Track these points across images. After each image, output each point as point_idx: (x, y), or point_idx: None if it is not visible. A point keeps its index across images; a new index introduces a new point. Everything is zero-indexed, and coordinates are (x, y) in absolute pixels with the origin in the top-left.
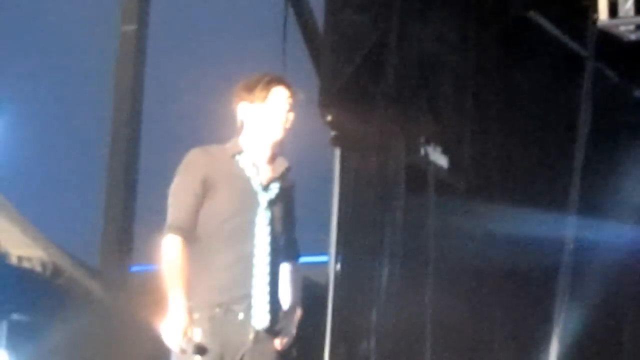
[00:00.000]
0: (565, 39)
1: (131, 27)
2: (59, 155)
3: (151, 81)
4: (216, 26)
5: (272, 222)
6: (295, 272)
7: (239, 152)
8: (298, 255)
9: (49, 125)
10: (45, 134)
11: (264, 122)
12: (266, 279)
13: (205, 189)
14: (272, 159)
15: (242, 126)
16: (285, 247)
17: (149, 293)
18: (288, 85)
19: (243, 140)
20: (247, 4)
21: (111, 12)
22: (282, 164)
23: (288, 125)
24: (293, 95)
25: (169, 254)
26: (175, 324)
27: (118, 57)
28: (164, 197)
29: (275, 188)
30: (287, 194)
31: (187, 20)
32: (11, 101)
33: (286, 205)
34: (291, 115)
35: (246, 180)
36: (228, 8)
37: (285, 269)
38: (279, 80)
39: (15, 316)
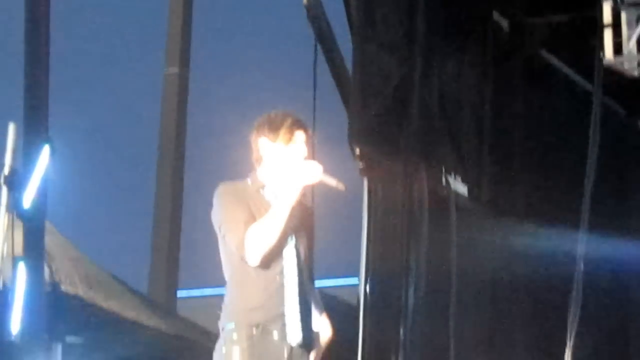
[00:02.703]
0: (575, 75)
1: (174, 70)
2: (110, 189)
3: (194, 119)
4: (253, 67)
5: (297, 246)
6: (316, 294)
7: (262, 187)
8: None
9: (100, 162)
10: (97, 170)
11: (286, 162)
12: (297, 298)
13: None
14: None
15: (260, 159)
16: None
17: (194, 315)
18: (306, 128)
19: (262, 173)
20: (280, 48)
21: (156, 56)
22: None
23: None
24: (310, 136)
25: (256, 237)
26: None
27: (163, 97)
28: (206, 227)
29: (296, 215)
30: (306, 218)
31: (226, 62)
32: (64, 140)
33: (307, 229)
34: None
35: None
36: (263, 50)
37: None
38: (300, 124)
39: (68, 338)
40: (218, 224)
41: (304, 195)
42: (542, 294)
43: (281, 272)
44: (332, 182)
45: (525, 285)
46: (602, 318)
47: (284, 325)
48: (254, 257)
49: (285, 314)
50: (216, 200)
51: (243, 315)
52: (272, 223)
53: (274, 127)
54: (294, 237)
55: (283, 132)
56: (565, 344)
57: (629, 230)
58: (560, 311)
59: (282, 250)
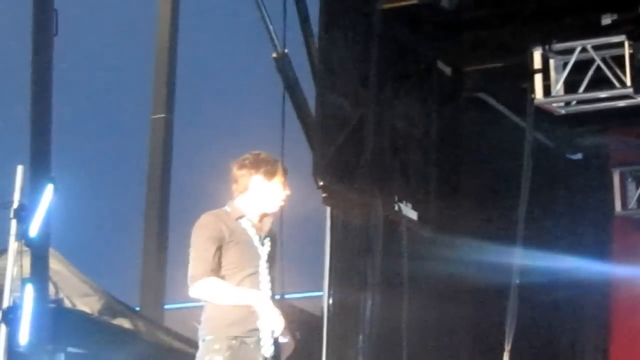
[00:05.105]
0: (509, 114)
1: (160, 115)
2: (106, 218)
3: (177, 156)
4: (230, 111)
5: (270, 271)
6: (284, 309)
7: (241, 216)
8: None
9: (97, 195)
10: (94, 202)
11: (275, 199)
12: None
13: (220, 246)
14: (262, 219)
15: (244, 190)
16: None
17: (181, 325)
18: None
19: (240, 203)
20: (253, 94)
21: (144, 103)
22: (269, 222)
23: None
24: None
25: (214, 288)
26: (273, 310)
27: (150, 138)
28: (188, 250)
29: (267, 242)
30: (274, 245)
31: (206, 107)
32: (67, 177)
33: (274, 254)
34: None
35: (249, 239)
36: (239, 96)
37: None
38: (286, 171)
39: (70, 349)
40: (190, 251)
41: (273, 222)
42: (483, 301)
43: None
44: (283, 339)
45: (468, 293)
46: (535, 322)
47: (258, 338)
48: (194, 295)
49: (260, 328)
50: (194, 231)
51: (223, 329)
52: (230, 298)
53: (270, 170)
54: (268, 263)
55: (279, 176)
56: (502, 347)
57: (557, 246)
58: (498, 317)
59: (258, 276)
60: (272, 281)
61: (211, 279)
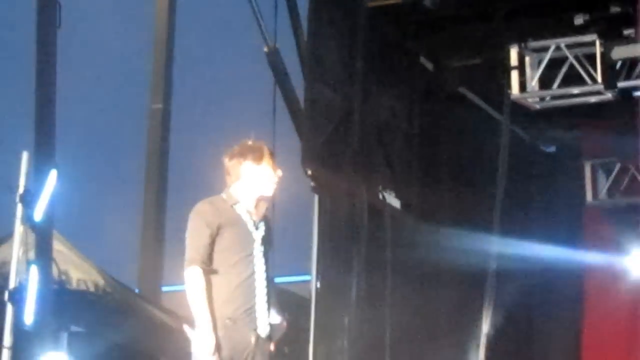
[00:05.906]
0: (487, 108)
1: (158, 106)
2: (106, 203)
3: (175, 143)
4: (224, 102)
5: (265, 254)
6: (274, 292)
7: (236, 203)
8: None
9: (98, 181)
10: (96, 187)
11: (267, 182)
12: (264, 298)
13: (215, 232)
14: (257, 204)
15: (237, 179)
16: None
17: (178, 307)
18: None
19: (235, 190)
20: (246, 86)
21: (142, 94)
22: (263, 207)
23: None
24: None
25: (195, 285)
26: (207, 342)
27: (149, 128)
28: (185, 234)
29: (262, 226)
30: (269, 228)
31: (202, 98)
32: (67, 161)
33: (269, 238)
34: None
35: (244, 223)
36: (232, 88)
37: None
38: (272, 153)
39: (73, 328)
40: (186, 237)
41: (267, 209)
42: (462, 286)
43: (252, 275)
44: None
45: (448, 278)
46: (512, 306)
47: (254, 318)
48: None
49: (256, 309)
50: (191, 217)
51: (219, 309)
52: (194, 301)
53: (257, 155)
54: (263, 246)
55: (267, 159)
56: (480, 325)
57: (532, 234)
58: (477, 301)
59: (253, 259)
60: (267, 263)
61: (197, 272)
